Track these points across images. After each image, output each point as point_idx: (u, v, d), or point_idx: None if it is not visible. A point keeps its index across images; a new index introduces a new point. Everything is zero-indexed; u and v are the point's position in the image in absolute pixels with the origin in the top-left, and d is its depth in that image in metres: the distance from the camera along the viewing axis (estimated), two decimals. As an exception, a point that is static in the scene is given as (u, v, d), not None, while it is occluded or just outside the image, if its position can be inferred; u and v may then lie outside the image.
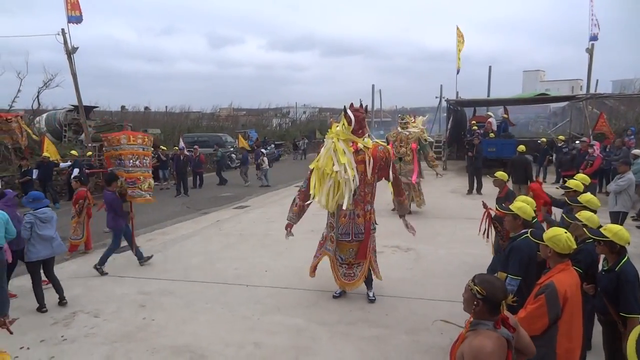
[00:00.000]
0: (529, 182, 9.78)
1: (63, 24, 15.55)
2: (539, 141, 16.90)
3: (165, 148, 18.48)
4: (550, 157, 16.08)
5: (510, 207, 3.81)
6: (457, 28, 22.96)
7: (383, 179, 5.74)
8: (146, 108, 39.77)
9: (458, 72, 23.10)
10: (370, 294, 5.74)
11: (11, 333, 3.69)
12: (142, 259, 7.37)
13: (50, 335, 4.95)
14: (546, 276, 3.04)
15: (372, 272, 5.77)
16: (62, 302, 5.75)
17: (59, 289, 5.80)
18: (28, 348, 4.62)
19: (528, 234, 3.57)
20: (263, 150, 18.90)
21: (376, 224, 5.82)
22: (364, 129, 5.59)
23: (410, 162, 10.44)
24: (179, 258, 7.62)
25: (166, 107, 39.66)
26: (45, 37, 15.68)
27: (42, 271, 5.71)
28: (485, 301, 2.13)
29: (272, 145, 21.56)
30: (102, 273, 6.91)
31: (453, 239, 8.41)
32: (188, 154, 16.80)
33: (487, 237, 5.44)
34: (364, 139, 5.49)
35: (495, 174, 6.80)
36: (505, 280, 3.47)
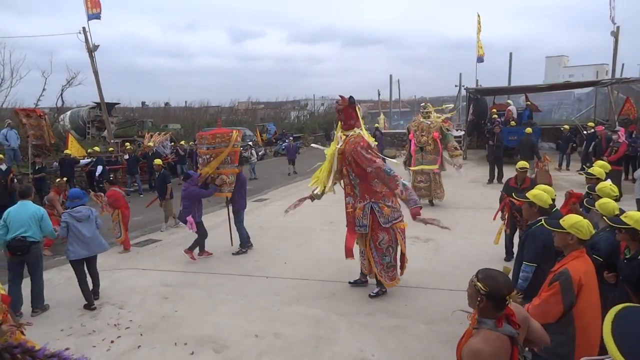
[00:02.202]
0: (535, 159, 11.93)
1: (85, 22, 15.90)
2: (561, 128, 16.50)
3: (183, 143, 18.75)
4: (574, 145, 15.69)
5: (527, 194, 3.76)
6: (478, 15, 22.54)
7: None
8: (166, 104, 40.29)
9: (479, 61, 22.71)
10: (372, 291, 5.63)
11: (24, 335, 3.76)
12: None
13: (78, 326, 5.14)
14: (560, 263, 3.00)
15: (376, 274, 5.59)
16: (95, 296, 5.84)
17: (95, 285, 5.89)
18: (48, 343, 4.79)
19: (542, 221, 3.51)
20: (250, 143, 19.30)
21: (386, 223, 5.39)
22: (351, 120, 5.55)
23: (431, 151, 10.27)
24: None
25: (185, 102, 40.11)
26: (69, 35, 16.03)
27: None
28: (488, 297, 2.08)
29: (291, 138, 21.63)
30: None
31: (473, 229, 8.33)
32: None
33: (508, 226, 5.41)
34: (353, 131, 5.47)
35: (518, 166, 6.55)
36: (510, 274, 3.42)
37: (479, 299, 2.10)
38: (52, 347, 1.80)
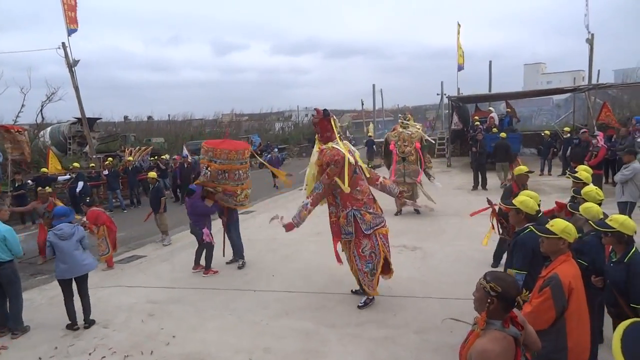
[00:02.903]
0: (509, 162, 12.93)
1: (65, 37, 15.74)
2: (542, 134, 16.81)
3: (166, 157, 18.58)
4: (555, 150, 15.98)
5: (513, 201, 3.79)
6: (458, 24, 22.95)
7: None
8: (149, 117, 40.01)
9: (459, 69, 23.07)
10: (360, 302, 5.62)
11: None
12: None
13: (61, 348, 4.98)
14: (548, 268, 3.02)
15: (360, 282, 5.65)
16: (85, 324, 5.49)
17: (86, 309, 5.56)
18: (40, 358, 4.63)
19: (530, 228, 3.54)
20: None
21: (347, 233, 5.48)
22: (327, 133, 5.59)
23: (414, 162, 10.22)
24: (187, 266, 7.62)
25: (169, 115, 39.90)
26: (48, 51, 15.85)
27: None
28: (499, 298, 2.11)
29: (276, 150, 21.59)
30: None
31: (459, 236, 8.38)
32: (191, 161, 16.86)
33: (496, 230, 5.40)
34: (328, 144, 5.53)
35: (518, 171, 6.42)
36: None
37: (489, 300, 2.12)
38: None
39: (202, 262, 7.38)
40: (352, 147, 5.85)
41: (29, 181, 13.10)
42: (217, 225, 8.33)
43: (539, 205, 3.92)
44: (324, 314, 5.42)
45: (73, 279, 5.51)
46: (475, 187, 13.47)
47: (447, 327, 4.60)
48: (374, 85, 34.16)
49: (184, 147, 19.33)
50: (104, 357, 4.70)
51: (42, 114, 22.77)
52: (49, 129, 22.35)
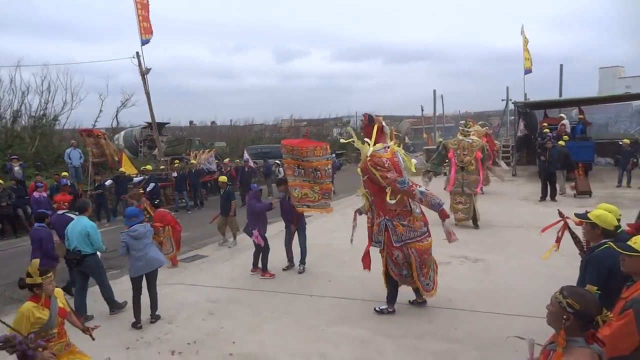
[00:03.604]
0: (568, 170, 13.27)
1: (139, 47, 16.83)
2: (620, 142, 15.58)
3: (227, 160, 19.24)
4: (635, 160, 14.77)
5: (589, 215, 3.52)
6: (522, 27, 21.96)
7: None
8: (212, 122, 41.72)
9: (526, 73, 22.02)
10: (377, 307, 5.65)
11: (93, 339, 3.97)
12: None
13: (128, 339, 5.27)
14: (631, 289, 2.76)
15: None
16: (152, 319, 5.75)
17: (154, 305, 5.82)
18: (109, 358, 4.92)
19: (609, 244, 3.26)
20: (277, 161, 19.20)
21: (378, 241, 5.50)
22: (376, 138, 5.49)
23: (473, 171, 9.79)
24: (245, 267, 7.82)
25: (231, 120, 41.37)
26: (124, 60, 16.99)
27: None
28: (577, 316, 1.96)
29: (333, 155, 21.69)
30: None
31: (526, 249, 7.94)
32: (252, 165, 17.35)
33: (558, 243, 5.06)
34: (371, 148, 5.44)
35: None
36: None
37: (565, 317, 1.98)
38: None
39: (260, 264, 7.53)
40: (401, 155, 5.59)
41: (110, 180, 14.08)
42: (278, 227, 8.48)
43: (618, 220, 3.62)
44: (381, 323, 5.34)
45: (144, 276, 5.77)
46: (543, 198, 12.73)
47: (512, 345, 4.35)
48: (434, 91, 33.29)
49: (245, 151, 19.92)
50: (173, 351, 4.91)
51: (117, 119, 24.53)
52: (122, 132, 23.93)
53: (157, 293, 5.88)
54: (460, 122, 11.15)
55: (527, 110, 19.89)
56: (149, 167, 15.75)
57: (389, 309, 5.56)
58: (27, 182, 13.72)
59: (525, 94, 21.44)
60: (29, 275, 3.51)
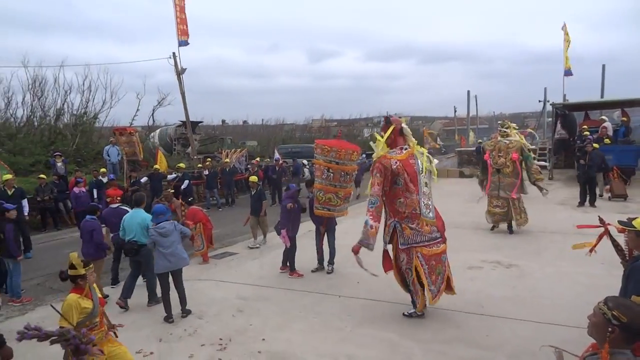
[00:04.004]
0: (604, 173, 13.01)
1: (176, 48, 17.25)
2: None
3: (258, 159, 19.44)
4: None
5: (634, 222, 3.35)
6: (565, 26, 21.23)
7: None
8: (244, 121, 42.32)
9: (566, 74, 21.29)
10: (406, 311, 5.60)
11: (116, 337, 4.06)
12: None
13: (160, 333, 5.41)
14: None
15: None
16: (182, 313, 5.87)
17: (183, 301, 5.93)
18: (141, 350, 5.06)
19: None
20: (304, 162, 19.10)
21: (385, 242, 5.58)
22: (394, 140, 5.45)
23: (509, 174, 9.37)
24: (274, 265, 7.89)
25: (262, 120, 41.84)
26: (161, 60, 17.45)
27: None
28: (623, 329, 1.87)
29: (364, 156, 21.53)
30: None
31: (562, 256, 7.66)
32: (283, 165, 17.48)
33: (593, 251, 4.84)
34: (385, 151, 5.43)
35: None
36: None
37: (610, 329, 1.89)
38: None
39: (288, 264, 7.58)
40: (421, 157, 5.49)
41: (145, 177, 14.49)
42: (307, 227, 8.51)
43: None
44: (410, 327, 5.27)
45: (169, 272, 5.90)
46: (581, 203, 12.27)
47: (546, 355, 4.19)
48: (468, 92, 32.68)
49: (276, 151, 20.10)
50: (203, 344, 5.02)
51: (153, 117, 25.21)
52: (158, 130, 24.55)
53: (184, 289, 6.00)
54: (499, 122, 10.80)
55: (565, 112, 19.22)
56: (182, 165, 16.12)
57: (418, 312, 5.50)
58: (67, 177, 14.28)
59: (565, 95, 20.74)
60: (72, 267, 3.66)
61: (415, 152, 5.48)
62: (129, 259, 6.65)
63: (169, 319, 5.76)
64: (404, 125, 5.58)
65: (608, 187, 13.11)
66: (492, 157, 9.59)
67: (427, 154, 5.72)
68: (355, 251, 5.24)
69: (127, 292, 6.34)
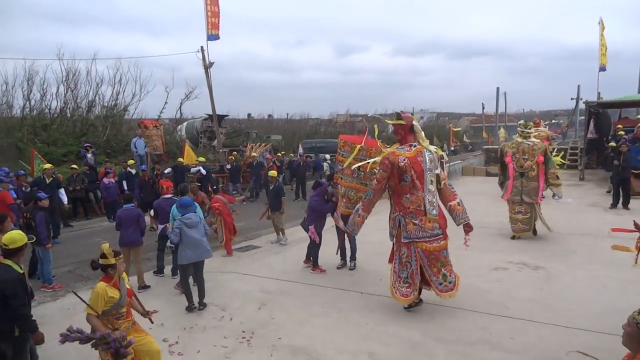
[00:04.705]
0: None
1: (204, 42, 17.43)
2: None
3: (281, 154, 19.50)
4: None
5: None
6: (601, 20, 20.48)
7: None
8: (269, 115, 42.53)
9: (601, 70, 20.58)
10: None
11: (152, 322, 4.20)
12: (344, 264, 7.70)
13: (185, 323, 5.51)
14: None
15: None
16: (199, 306, 5.93)
17: (201, 293, 6.01)
18: (166, 339, 5.18)
19: None
20: (326, 156, 18.90)
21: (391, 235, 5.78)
22: (404, 136, 5.60)
23: (534, 178, 8.79)
24: (297, 260, 7.93)
25: (287, 114, 41.94)
26: (190, 54, 17.64)
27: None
28: None
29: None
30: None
31: (592, 259, 7.44)
32: (307, 159, 17.49)
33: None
34: (393, 147, 5.73)
35: None
36: None
37: None
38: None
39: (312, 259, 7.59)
40: (430, 155, 5.48)
41: (169, 169, 14.76)
42: (329, 222, 8.50)
43: None
44: (433, 326, 5.22)
45: (191, 264, 6.01)
46: (614, 205, 11.86)
47: (574, 360, 4.13)
48: (497, 88, 32.01)
49: (300, 145, 20.14)
50: (225, 337, 5.09)
51: (180, 110, 25.58)
52: (185, 123, 24.95)
53: (204, 282, 6.11)
54: (519, 122, 10.16)
55: (599, 110, 18.59)
56: (202, 158, 16.17)
57: (415, 301, 5.63)
58: (97, 168, 14.67)
59: (599, 93, 20.04)
60: (103, 256, 3.77)
61: (424, 150, 5.53)
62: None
63: (191, 307, 5.88)
64: (414, 122, 5.67)
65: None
66: (515, 160, 8.95)
67: (443, 153, 5.84)
68: (337, 219, 6.50)
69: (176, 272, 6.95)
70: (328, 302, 6.08)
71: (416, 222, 5.39)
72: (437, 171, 5.55)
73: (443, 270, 5.45)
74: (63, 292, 6.82)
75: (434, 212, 5.41)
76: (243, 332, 5.20)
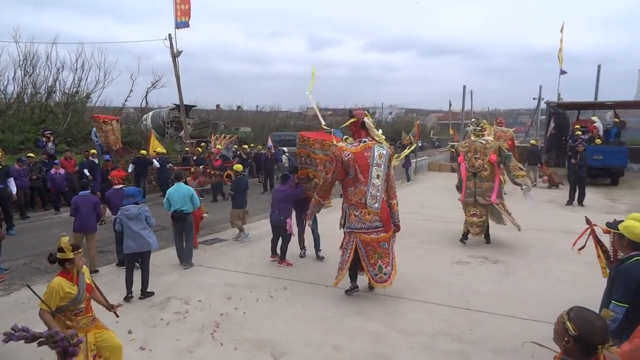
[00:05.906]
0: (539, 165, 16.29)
1: (172, 29, 16.94)
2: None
3: (246, 147, 19.26)
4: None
5: (619, 226, 3.38)
6: (562, 25, 21.26)
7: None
8: (239, 107, 41.97)
9: (561, 73, 21.37)
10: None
11: (117, 316, 4.10)
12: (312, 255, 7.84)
13: (147, 317, 5.41)
14: None
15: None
16: (140, 295, 5.97)
17: (144, 284, 6.04)
18: (130, 331, 5.06)
19: (638, 258, 3.14)
20: (284, 149, 18.84)
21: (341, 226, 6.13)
22: (355, 132, 6.01)
23: (487, 178, 8.29)
24: (264, 254, 7.89)
25: (257, 106, 41.53)
26: (158, 41, 17.11)
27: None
28: (577, 341, 1.89)
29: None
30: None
31: (548, 254, 7.77)
32: (275, 152, 17.37)
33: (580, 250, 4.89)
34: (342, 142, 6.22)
35: None
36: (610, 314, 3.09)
37: (565, 339, 1.92)
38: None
39: (279, 251, 7.58)
40: (380, 151, 5.80)
41: (132, 165, 14.28)
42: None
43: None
44: (396, 319, 5.32)
45: (137, 255, 6.03)
46: (570, 202, 12.41)
47: (528, 351, 4.30)
48: (464, 87, 32.69)
49: (269, 138, 19.97)
50: (190, 330, 5.02)
51: (146, 99, 24.82)
52: (150, 113, 24.26)
53: (148, 273, 6.14)
54: (472, 120, 9.93)
55: (559, 111, 19.32)
56: (160, 149, 15.54)
57: (352, 286, 6.05)
58: (57, 156, 14.08)
59: (559, 94, 20.82)
60: (61, 250, 3.62)
61: (373, 145, 5.80)
62: (174, 227, 7.41)
63: (128, 296, 5.93)
64: (366, 119, 5.93)
65: (546, 177, 15.96)
66: (467, 160, 8.50)
67: (399, 148, 6.17)
68: (308, 217, 6.84)
69: (188, 256, 7.37)
70: (293, 295, 6.10)
71: (357, 213, 5.73)
72: (384, 169, 5.82)
73: (380, 262, 5.74)
74: (18, 286, 6.55)
75: (376, 205, 5.69)
76: (207, 326, 5.14)
